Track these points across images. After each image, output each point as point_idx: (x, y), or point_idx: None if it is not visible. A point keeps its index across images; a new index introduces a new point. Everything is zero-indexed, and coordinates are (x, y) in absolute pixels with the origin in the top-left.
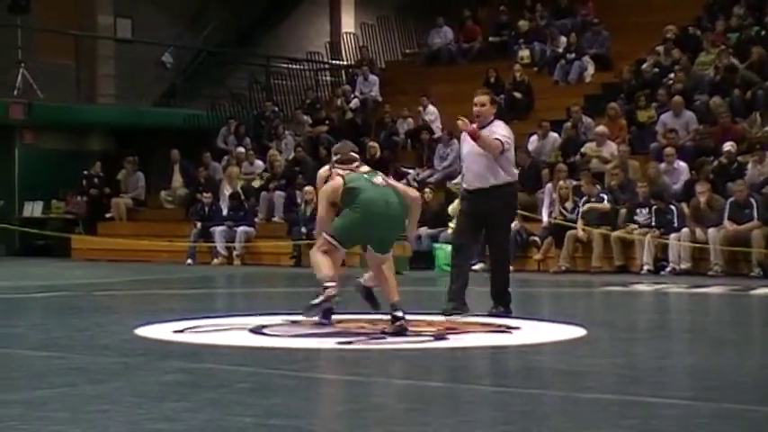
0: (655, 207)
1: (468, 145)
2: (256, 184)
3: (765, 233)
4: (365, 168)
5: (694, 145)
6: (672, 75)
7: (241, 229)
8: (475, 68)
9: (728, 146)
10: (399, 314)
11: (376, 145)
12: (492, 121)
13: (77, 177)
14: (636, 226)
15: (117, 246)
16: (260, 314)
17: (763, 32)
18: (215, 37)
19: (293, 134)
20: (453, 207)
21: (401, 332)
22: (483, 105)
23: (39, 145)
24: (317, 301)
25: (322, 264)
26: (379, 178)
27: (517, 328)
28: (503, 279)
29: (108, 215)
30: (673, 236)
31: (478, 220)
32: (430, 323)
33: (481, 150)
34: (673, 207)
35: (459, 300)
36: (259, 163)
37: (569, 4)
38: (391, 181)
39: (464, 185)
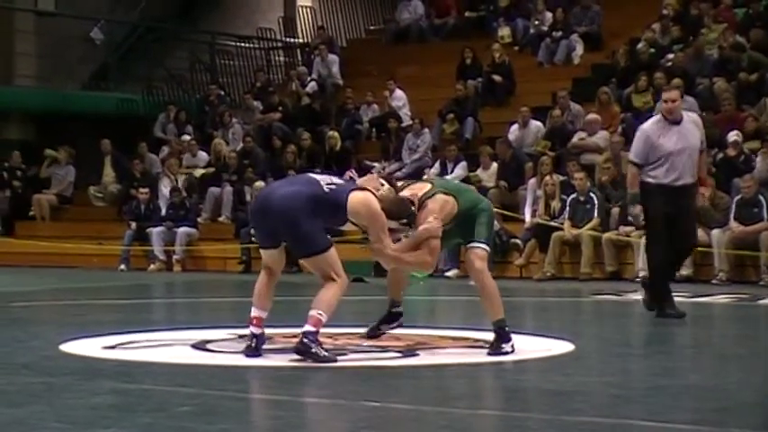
0: None
1: (673, 139)
2: (197, 174)
3: None
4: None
5: None
6: (670, 55)
7: (182, 230)
8: (448, 47)
9: (734, 135)
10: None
11: (336, 135)
12: (683, 117)
13: None
14: (631, 227)
15: (38, 249)
16: (203, 328)
17: None
18: (152, 10)
19: (241, 122)
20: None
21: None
22: (675, 101)
23: None
24: (507, 348)
25: (497, 295)
26: None
27: None
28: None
29: (29, 214)
30: None
31: (670, 217)
32: (398, 337)
33: (693, 145)
34: None
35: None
36: (202, 154)
37: None
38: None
39: (662, 181)
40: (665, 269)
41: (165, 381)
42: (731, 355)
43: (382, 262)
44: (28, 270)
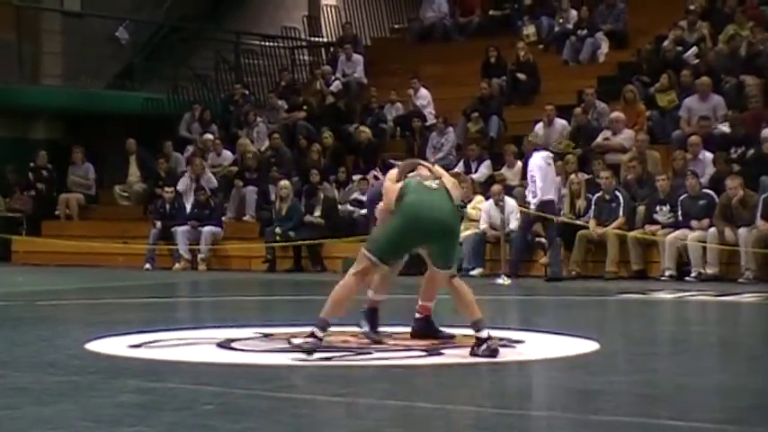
0: (680, 199)
1: None
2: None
3: None
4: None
5: (722, 133)
6: (697, 52)
7: (207, 229)
8: (473, 46)
9: (766, 132)
10: (484, 335)
11: (368, 130)
12: None
13: (19, 169)
14: (656, 226)
15: (64, 248)
16: (228, 326)
17: None
18: (177, 10)
19: (266, 121)
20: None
21: (492, 355)
22: None
23: None
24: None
25: (343, 298)
26: (432, 182)
27: (521, 341)
28: None
29: (55, 213)
30: None
31: None
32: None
33: None
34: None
35: None
36: (227, 153)
37: None
38: (444, 177)
39: None
40: None
41: (191, 379)
42: (758, 355)
43: None
44: (54, 269)
